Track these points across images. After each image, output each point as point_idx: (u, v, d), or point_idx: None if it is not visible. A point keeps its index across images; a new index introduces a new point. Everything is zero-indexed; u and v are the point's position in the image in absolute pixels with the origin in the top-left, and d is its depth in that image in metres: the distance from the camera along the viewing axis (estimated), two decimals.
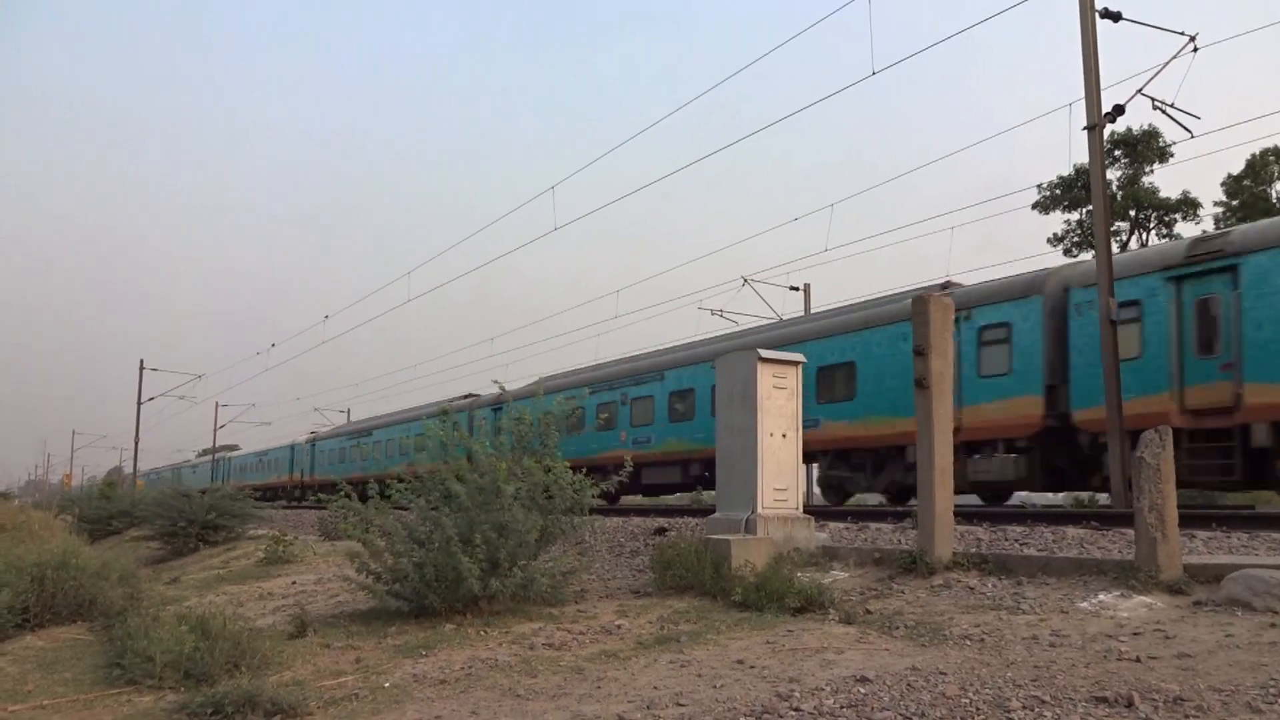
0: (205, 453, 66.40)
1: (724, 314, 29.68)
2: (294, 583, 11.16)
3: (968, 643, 5.71)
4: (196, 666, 6.11)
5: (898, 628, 6.32)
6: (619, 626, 7.12)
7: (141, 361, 45.29)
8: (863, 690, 4.79)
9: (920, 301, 8.46)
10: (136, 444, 46.02)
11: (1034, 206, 34.31)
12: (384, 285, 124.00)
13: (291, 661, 6.57)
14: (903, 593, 7.40)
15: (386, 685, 5.71)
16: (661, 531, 11.96)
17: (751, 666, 5.56)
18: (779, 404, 9.73)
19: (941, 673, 4.97)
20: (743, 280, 28.88)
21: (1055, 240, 35.21)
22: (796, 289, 30.56)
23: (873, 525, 11.05)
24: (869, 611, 6.90)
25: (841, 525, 11.28)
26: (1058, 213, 34.76)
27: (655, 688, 5.22)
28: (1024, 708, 4.24)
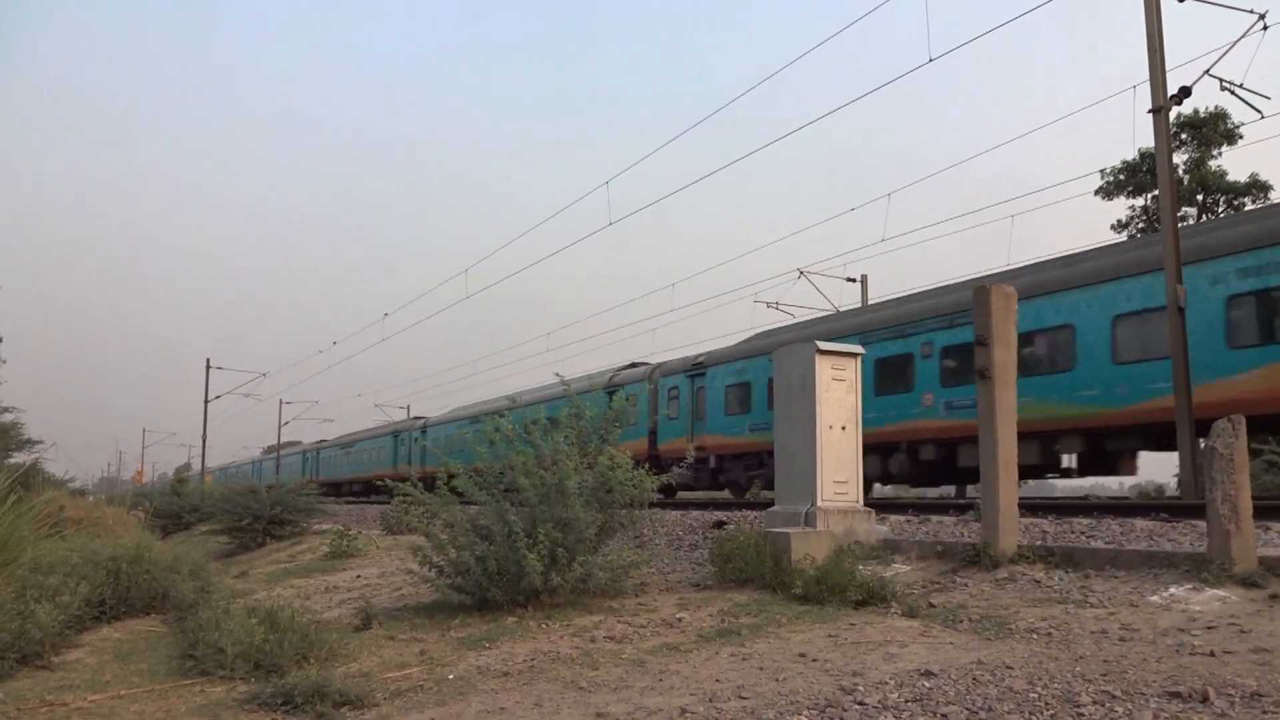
0: (270, 450, 67.66)
1: (780, 307, 29.50)
2: (358, 576, 11.35)
3: (1034, 636, 5.61)
4: (266, 658, 6.24)
5: (962, 621, 6.23)
6: (680, 619, 7.12)
7: (208, 361, 46.20)
8: (927, 684, 4.73)
9: (982, 291, 8.33)
10: (204, 441, 47.14)
11: (1096, 192, 33.55)
12: (442, 282, 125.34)
13: (358, 653, 6.69)
14: (966, 586, 7.29)
15: (450, 677, 5.79)
16: (720, 525, 11.94)
17: (814, 660, 5.52)
18: (837, 396, 9.65)
19: (1008, 667, 4.89)
20: (799, 273, 28.67)
21: (1119, 227, 34.41)
22: (854, 280, 30.28)
23: (934, 518, 10.91)
24: (932, 605, 6.82)
25: (902, 518, 11.15)
26: (1121, 199, 33.96)
27: (717, 680, 5.22)
28: (1094, 703, 4.15)
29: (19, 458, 29.58)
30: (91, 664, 6.99)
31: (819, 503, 9.29)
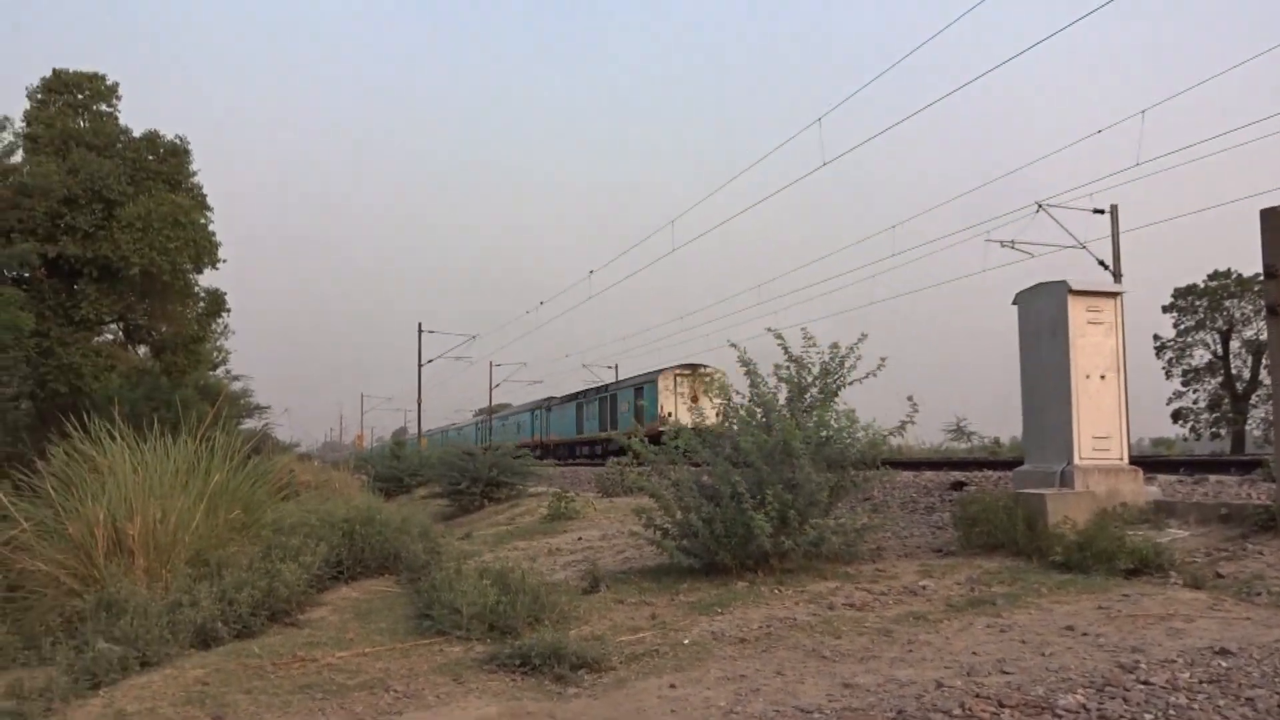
0: (480, 413, 70.84)
1: (1016, 245, 28.07)
2: (580, 539, 11.77)
3: None
4: (500, 619, 6.58)
5: (1259, 594, 5.79)
6: (924, 587, 6.97)
7: (420, 325, 48.69)
8: (1224, 664, 4.42)
9: (1272, 215, 7.61)
10: (419, 405, 49.83)
11: None
12: (647, 235, 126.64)
13: (588, 616, 6.93)
14: (1261, 554, 6.76)
15: (686, 642, 5.90)
16: (959, 486, 11.58)
17: (1084, 634, 5.28)
18: (1094, 341, 9.11)
19: None
20: (1037, 206, 27.14)
21: None
22: (1101, 212, 28.37)
23: (1212, 478, 10.15)
24: (1220, 575, 6.36)
25: (1174, 478, 10.45)
26: None
27: (974, 653, 5.08)
28: None
29: (250, 424, 32.26)
30: (335, 622, 7.58)
31: (1076, 461, 8.83)
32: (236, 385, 33.39)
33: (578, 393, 44.96)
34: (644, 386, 37.45)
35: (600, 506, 15.01)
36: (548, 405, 48.48)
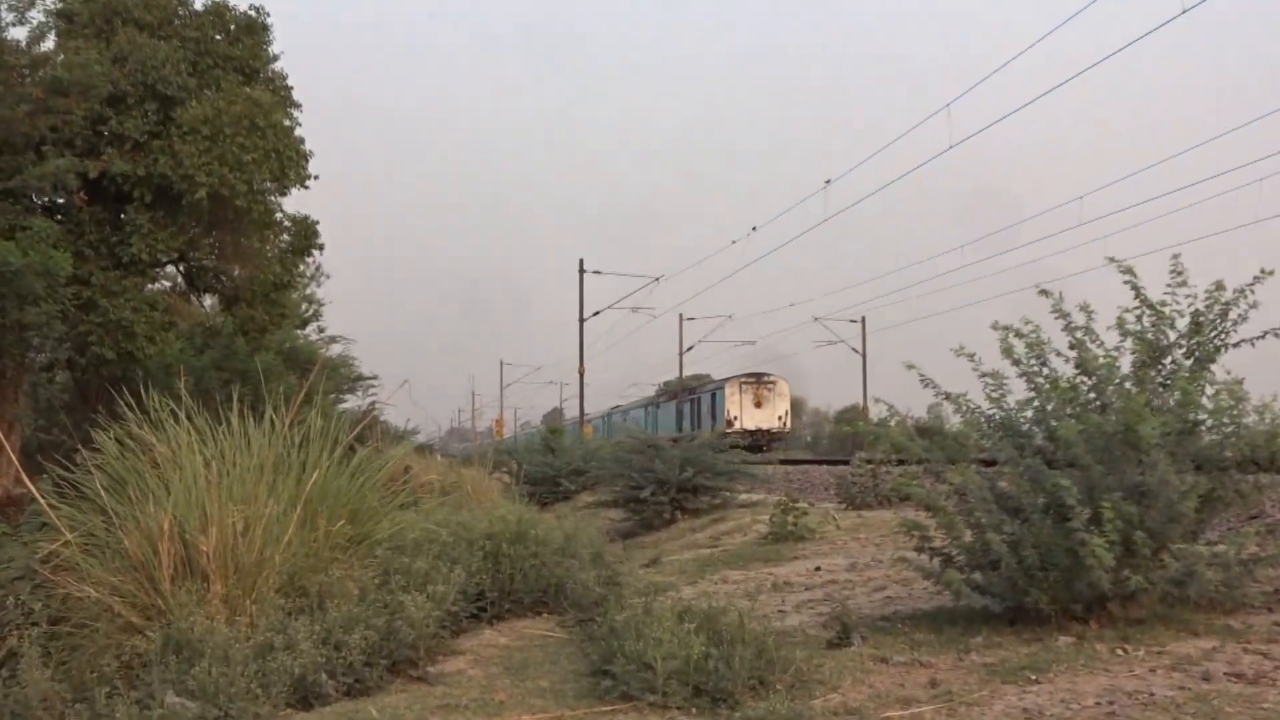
0: (667, 386, 71.74)
1: None
2: (817, 568, 11.76)
3: None
4: (710, 680, 6.62)
5: None
6: None
7: (581, 262, 49.52)
8: None
9: None
10: (581, 377, 50.68)
11: None
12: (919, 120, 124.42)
13: (837, 680, 6.91)
14: None
15: None
16: None
17: None
18: None
19: None
20: None
21: None
22: None
23: None
24: None
25: None
26: None
27: None
28: None
29: (351, 401, 33.43)
30: (478, 677, 7.81)
31: None
32: (334, 350, 34.81)
33: (677, 391, 67.33)
34: (715, 393, 61.24)
35: (845, 523, 14.94)
36: (657, 402, 68.41)
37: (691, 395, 65.03)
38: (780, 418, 59.38)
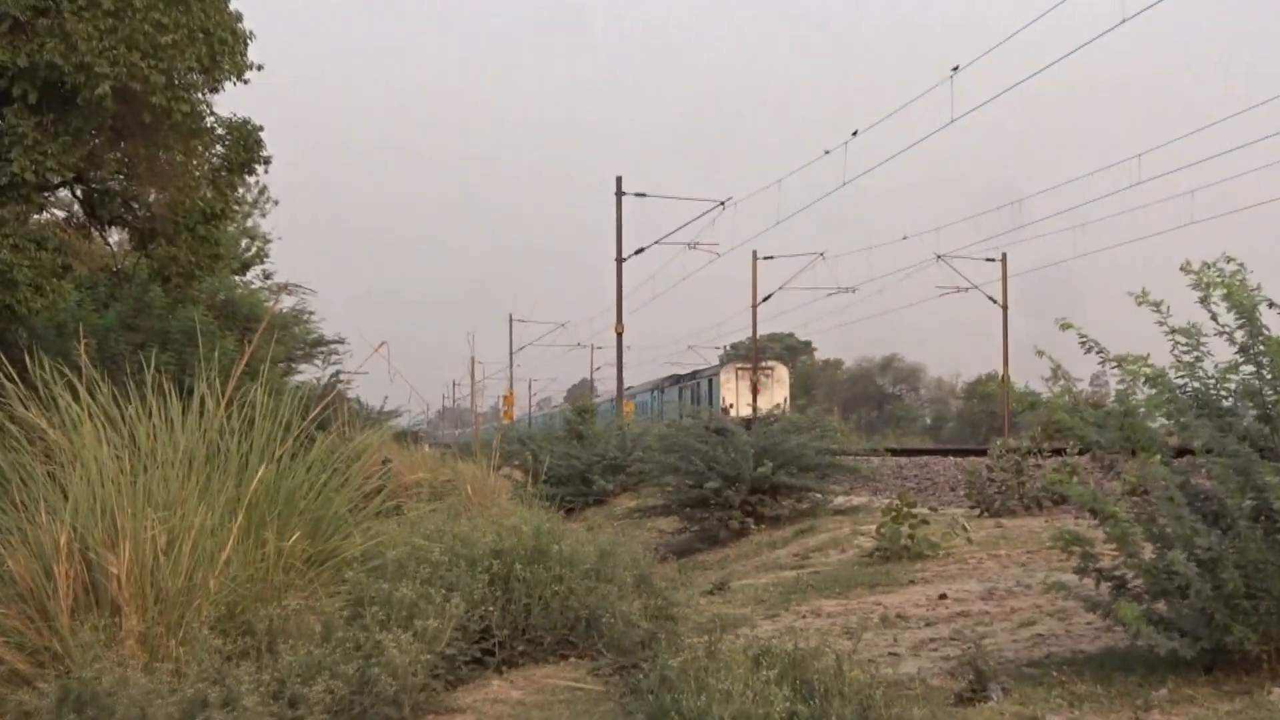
0: (734, 349, 72.74)
1: None
2: (942, 596, 11.66)
3: None
4: None
5: None
6: None
7: (619, 181, 49.24)
8: None
9: None
10: (619, 337, 50.49)
11: None
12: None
13: None
14: None
15: None
16: None
17: None
18: None
19: None
20: None
21: None
22: None
23: None
24: None
25: None
26: None
27: None
28: None
29: (308, 372, 33.31)
30: None
31: None
32: (285, 304, 34.60)
33: (679, 375, 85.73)
34: (711, 379, 76.28)
35: (979, 534, 14.83)
36: (662, 387, 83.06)
37: (691, 380, 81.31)
38: (779, 405, 64.33)
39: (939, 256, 59.76)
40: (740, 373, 72.62)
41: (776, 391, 71.03)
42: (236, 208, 29.82)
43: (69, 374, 9.48)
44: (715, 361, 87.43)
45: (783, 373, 75.65)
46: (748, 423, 23.78)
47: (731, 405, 68.29)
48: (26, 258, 23.93)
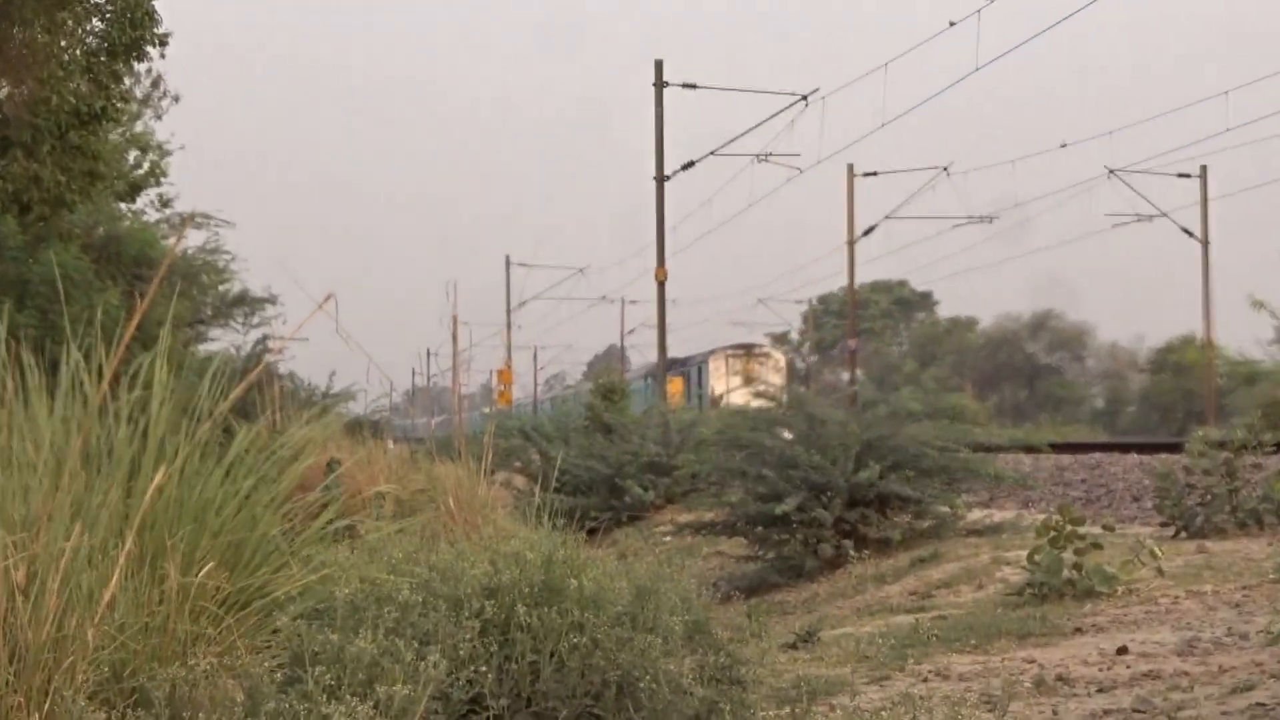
0: (822, 305, 73.61)
1: None
2: (1122, 650, 11.65)
3: None
4: None
5: None
6: None
7: (659, 66, 49.53)
8: None
9: None
10: (661, 287, 50.76)
11: None
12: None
13: None
14: None
15: None
16: None
17: None
18: None
19: None
20: None
21: None
22: None
23: None
24: None
25: None
26: None
27: None
28: None
29: (226, 339, 33.43)
30: None
31: None
32: (193, 241, 34.64)
33: (673, 360, 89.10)
34: (700, 366, 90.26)
35: (1173, 563, 14.84)
36: (653, 373, 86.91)
37: (682, 368, 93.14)
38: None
39: (1111, 172, 59.54)
40: (731, 360, 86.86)
41: (772, 381, 76.29)
42: (121, 105, 29.74)
43: None
44: (796, 320, 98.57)
45: (778, 359, 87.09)
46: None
47: (721, 395, 78.03)
48: None
